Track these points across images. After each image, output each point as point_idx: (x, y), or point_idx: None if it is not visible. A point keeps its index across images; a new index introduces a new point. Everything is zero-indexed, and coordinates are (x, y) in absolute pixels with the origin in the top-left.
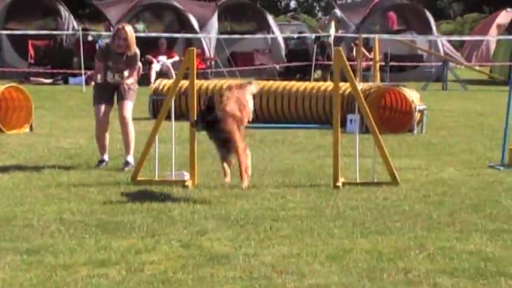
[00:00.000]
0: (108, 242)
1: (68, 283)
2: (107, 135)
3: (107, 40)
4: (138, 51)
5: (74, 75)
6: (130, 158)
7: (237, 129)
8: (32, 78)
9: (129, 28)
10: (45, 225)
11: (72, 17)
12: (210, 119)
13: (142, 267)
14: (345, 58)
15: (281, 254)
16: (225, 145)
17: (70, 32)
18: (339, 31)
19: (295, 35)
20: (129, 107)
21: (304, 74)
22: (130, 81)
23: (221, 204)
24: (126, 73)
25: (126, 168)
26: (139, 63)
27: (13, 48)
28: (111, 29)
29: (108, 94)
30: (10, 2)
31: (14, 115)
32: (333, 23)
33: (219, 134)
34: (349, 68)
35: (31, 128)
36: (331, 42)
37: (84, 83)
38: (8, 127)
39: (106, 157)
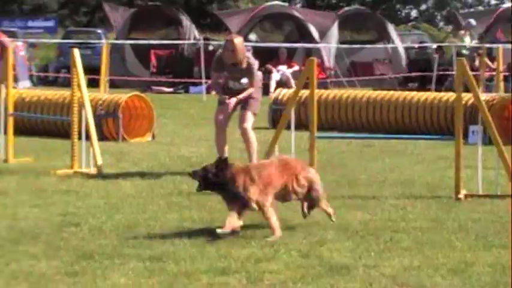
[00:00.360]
0: (228, 250)
1: None
2: (225, 140)
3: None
4: (253, 61)
5: (195, 84)
6: None
7: (254, 185)
8: (153, 87)
9: (238, 40)
10: (167, 233)
11: (193, 26)
12: (217, 180)
13: (262, 277)
14: (467, 68)
15: (402, 266)
16: (237, 203)
17: (191, 41)
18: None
19: (416, 45)
20: (248, 117)
21: (437, 85)
22: (248, 92)
23: (340, 215)
24: (243, 80)
25: None
26: (259, 73)
27: (136, 58)
28: None
29: (231, 95)
30: (134, 12)
31: (136, 124)
32: (468, 33)
33: (230, 193)
34: (472, 78)
35: (153, 137)
36: (468, 53)
37: (204, 92)
38: (131, 135)
39: None
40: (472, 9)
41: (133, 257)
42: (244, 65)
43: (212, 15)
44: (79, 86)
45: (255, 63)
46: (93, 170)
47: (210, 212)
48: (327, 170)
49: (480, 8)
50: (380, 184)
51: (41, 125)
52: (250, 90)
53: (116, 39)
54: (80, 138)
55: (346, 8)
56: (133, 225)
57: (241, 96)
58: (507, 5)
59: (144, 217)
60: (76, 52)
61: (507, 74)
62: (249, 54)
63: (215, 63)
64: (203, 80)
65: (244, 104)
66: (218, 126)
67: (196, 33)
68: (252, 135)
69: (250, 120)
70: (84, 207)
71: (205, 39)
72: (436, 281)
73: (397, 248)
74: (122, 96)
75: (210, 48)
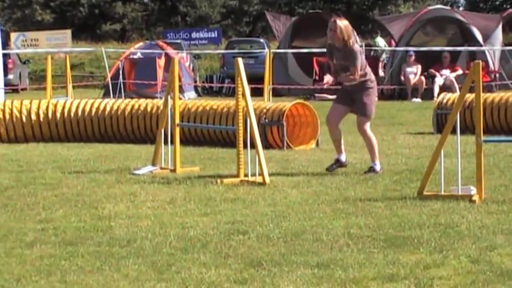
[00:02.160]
0: (396, 256)
1: None
2: (339, 136)
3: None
4: (356, 49)
5: None
6: (374, 164)
7: None
8: (316, 95)
9: (341, 23)
10: (333, 240)
11: (355, 32)
12: None
13: (432, 283)
14: None
15: None
16: None
17: None
18: None
19: None
20: (363, 122)
21: None
22: (349, 79)
23: (510, 219)
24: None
25: (369, 174)
26: (370, 76)
27: (298, 66)
28: (393, 43)
29: (345, 96)
30: (295, 21)
31: (301, 131)
32: None
33: None
34: None
35: (317, 144)
36: None
37: None
38: (295, 143)
39: (342, 157)
40: None
41: (301, 264)
42: (346, 46)
43: (374, 20)
44: (243, 95)
45: (359, 49)
46: (259, 178)
47: (377, 218)
48: (495, 174)
49: None
50: None
51: (207, 134)
52: (351, 77)
53: (279, 47)
54: (245, 147)
55: (511, 10)
56: (300, 232)
57: (342, 80)
58: None
59: (311, 224)
60: (240, 61)
61: None
62: (356, 43)
63: (328, 50)
64: None
65: (358, 110)
66: (329, 124)
67: (358, 39)
68: (369, 134)
69: (366, 124)
70: (252, 215)
71: (367, 45)
72: None
73: None
74: (286, 104)
75: (372, 54)
